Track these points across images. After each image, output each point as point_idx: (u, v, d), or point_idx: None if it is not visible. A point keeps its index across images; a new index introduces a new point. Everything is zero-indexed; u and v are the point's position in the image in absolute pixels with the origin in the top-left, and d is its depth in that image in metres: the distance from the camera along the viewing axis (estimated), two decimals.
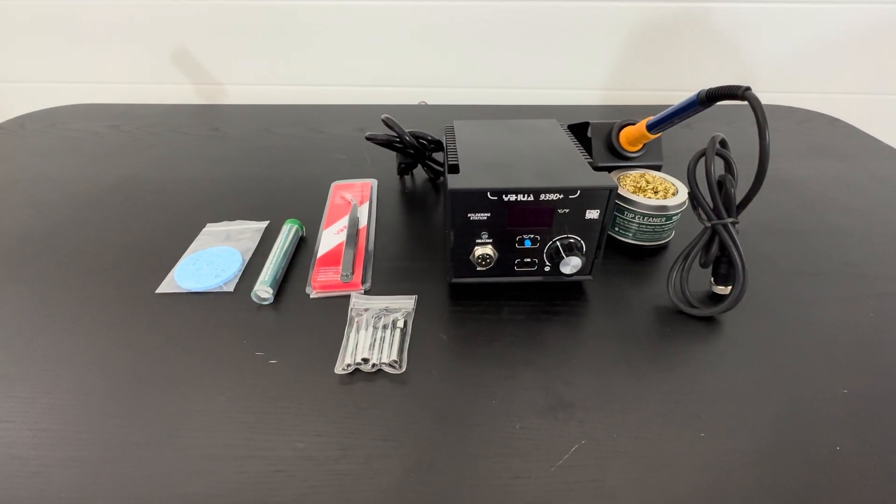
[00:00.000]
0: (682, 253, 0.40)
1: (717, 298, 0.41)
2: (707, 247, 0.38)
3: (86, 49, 0.83)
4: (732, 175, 0.37)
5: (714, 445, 0.30)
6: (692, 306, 0.39)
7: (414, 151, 0.55)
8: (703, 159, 0.37)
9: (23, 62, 0.86)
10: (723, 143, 0.37)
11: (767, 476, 0.28)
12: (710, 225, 0.38)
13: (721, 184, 0.37)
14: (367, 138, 0.51)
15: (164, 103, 0.85)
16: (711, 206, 0.38)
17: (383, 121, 0.51)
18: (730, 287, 0.39)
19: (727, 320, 0.39)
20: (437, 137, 0.56)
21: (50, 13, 0.80)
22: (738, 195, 0.37)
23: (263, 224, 0.50)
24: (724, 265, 0.39)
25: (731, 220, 0.37)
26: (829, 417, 0.32)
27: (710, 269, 0.40)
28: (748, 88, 0.33)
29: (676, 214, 0.45)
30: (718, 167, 0.37)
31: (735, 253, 0.36)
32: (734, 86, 0.34)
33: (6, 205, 0.55)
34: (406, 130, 0.52)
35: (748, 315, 0.40)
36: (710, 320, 0.39)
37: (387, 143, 0.53)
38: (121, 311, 0.40)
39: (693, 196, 0.39)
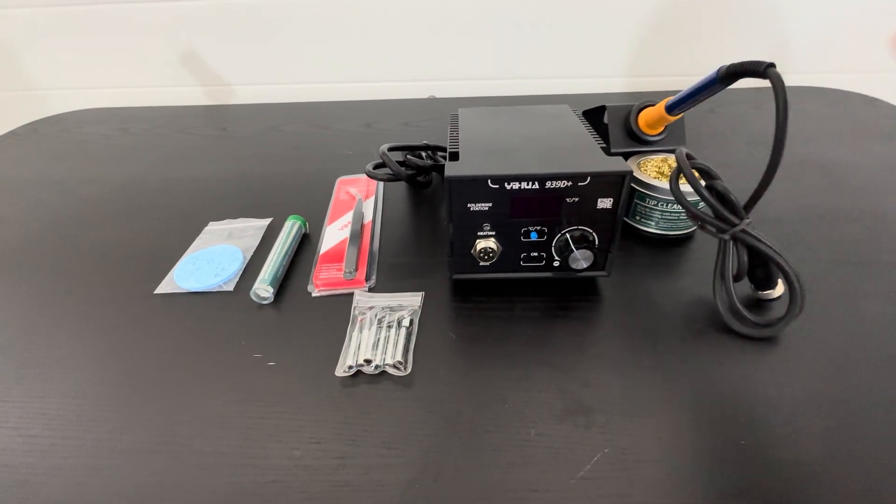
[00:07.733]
0: (715, 270, 0.35)
1: (762, 304, 0.37)
2: (735, 259, 0.34)
3: (99, 54, 0.84)
4: (715, 177, 0.34)
5: (756, 454, 0.27)
6: (759, 326, 0.34)
7: (409, 181, 0.51)
8: (682, 176, 0.33)
9: (38, 70, 0.86)
10: (689, 156, 0.34)
11: (820, 491, 0.25)
12: (727, 238, 0.34)
13: (712, 189, 0.34)
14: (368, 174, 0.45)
15: (174, 105, 0.85)
16: (714, 215, 0.34)
17: (381, 156, 0.45)
18: (772, 290, 0.36)
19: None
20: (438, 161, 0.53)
21: (61, 20, 0.80)
22: (749, 189, 0.33)
23: (266, 221, 0.49)
24: (759, 269, 0.36)
25: (744, 222, 0.33)
26: (887, 424, 0.28)
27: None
28: (771, 65, 0.30)
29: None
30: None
31: (775, 256, 0.32)
32: (756, 61, 0.31)
33: (14, 208, 0.55)
34: (403, 170, 0.46)
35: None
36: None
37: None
38: (118, 312, 0.39)
39: (693, 216, 0.35)
